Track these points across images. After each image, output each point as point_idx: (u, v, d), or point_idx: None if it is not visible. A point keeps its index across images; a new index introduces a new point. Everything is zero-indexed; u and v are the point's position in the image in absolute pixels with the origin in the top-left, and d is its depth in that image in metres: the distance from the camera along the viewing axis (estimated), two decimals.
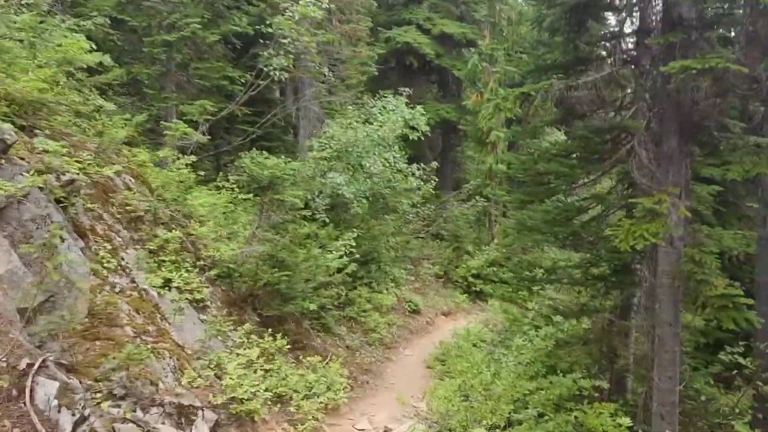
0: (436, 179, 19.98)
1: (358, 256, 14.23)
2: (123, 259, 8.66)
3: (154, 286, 8.88)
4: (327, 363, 11.55)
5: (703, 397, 11.32)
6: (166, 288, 9.19)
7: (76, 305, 7.08)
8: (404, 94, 18.34)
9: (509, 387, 10.44)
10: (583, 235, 13.46)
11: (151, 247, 9.73)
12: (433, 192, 19.97)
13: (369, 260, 16.95)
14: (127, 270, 8.58)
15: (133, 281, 8.51)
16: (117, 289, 8.08)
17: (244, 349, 9.63)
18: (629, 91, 12.76)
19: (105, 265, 8.16)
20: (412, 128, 18.07)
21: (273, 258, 11.13)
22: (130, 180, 10.77)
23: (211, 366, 8.52)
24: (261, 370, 9.22)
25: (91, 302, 7.38)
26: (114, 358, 6.86)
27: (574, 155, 13.94)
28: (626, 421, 10.13)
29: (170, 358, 7.83)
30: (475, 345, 15.20)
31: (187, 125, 12.42)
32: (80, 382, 6.55)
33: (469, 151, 32.12)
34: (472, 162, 32.55)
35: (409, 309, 18.51)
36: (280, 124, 19.28)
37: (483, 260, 22.99)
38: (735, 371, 13.00)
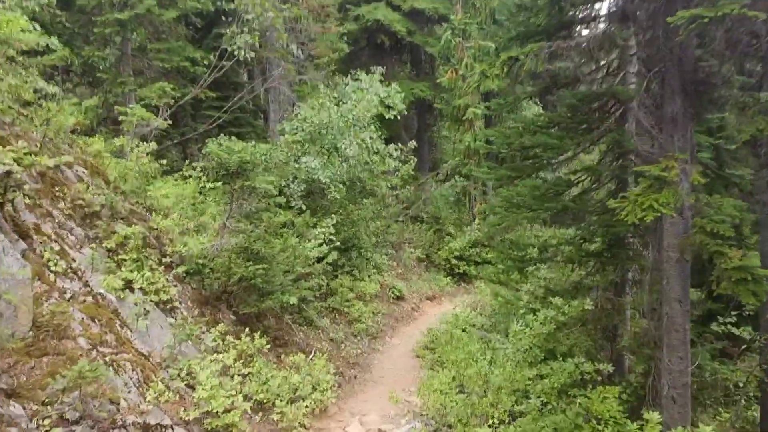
0: (415, 159, 19.01)
1: (338, 243, 13.21)
2: (74, 260, 7.54)
3: (113, 289, 7.78)
4: (311, 359, 10.60)
5: (707, 374, 10.61)
6: (128, 290, 8.11)
7: (16, 318, 5.99)
8: (377, 72, 17.25)
9: (509, 377, 9.57)
10: (574, 209, 12.66)
11: (108, 245, 8.63)
12: (412, 173, 18.98)
13: (349, 247, 15.95)
14: (80, 272, 7.47)
15: (86, 285, 7.41)
16: (67, 296, 6.97)
17: (219, 352, 8.63)
18: (621, 52, 11.96)
19: (52, 268, 7.04)
20: (388, 107, 17.02)
21: (247, 250, 10.08)
22: (83, 172, 9.61)
23: (182, 375, 7.49)
24: (238, 375, 8.23)
25: (36, 313, 6.28)
26: (64, 376, 5.80)
27: (561, 126, 13.12)
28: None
29: (133, 370, 6.78)
30: (464, 330, 14.37)
31: (146, 110, 11.22)
32: (24, 408, 5.50)
33: (444, 132, 31.22)
34: (447, 142, 31.68)
35: (392, 296, 17.58)
36: (249, 107, 18.08)
37: (465, 241, 22.16)
38: (744, 347, 12.40)
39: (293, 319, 12.41)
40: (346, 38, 22.22)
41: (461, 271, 21.84)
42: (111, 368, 6.48)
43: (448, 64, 24.79)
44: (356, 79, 17.05)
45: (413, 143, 18.37)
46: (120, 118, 10.88)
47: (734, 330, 12.36)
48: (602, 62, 12.97)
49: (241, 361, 8.59)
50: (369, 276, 16.73)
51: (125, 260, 8.60)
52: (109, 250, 8.63)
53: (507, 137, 13.63)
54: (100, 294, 7.39)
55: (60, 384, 5.76)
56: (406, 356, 13.58)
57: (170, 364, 7.68)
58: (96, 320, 6.93)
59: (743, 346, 11.48)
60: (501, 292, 13.42)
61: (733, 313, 12.87)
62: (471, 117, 22.91)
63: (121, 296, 7.90)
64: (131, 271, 8.45)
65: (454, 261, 21.86)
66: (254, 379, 8.35)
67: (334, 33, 18.80)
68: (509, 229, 21.43)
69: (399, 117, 17.46)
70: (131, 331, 7.38)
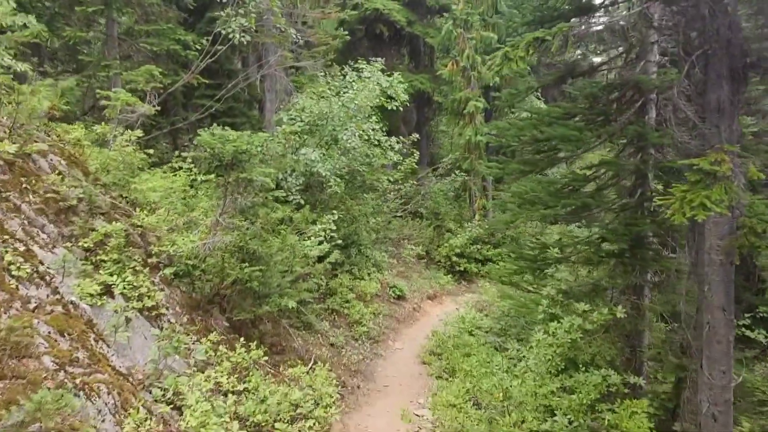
0: (418, 153, 17.93)
1: (340, 241, 12.10)
2: (42, 262, 6.39)
3: (88, 296, 6.64)
4: (312, 369, 9.50)
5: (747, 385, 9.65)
6: (106, 296, 6.97)
7: None
8: (378, 62, 16.10)
9: (531, 391, 8.53)
10: (593, 206, 11.62)
11: (85, 245, 7.49)
12: (415, 167, 17.91)
13: (349, 244, 14.85)
14: (49, 277, 6.32)
15: (56, 292, 6.26)
16: (32, 305, 5.83)
17: (211, 364, 7.53)
18: (642, 40, 10.93)
19: (14, 272, 5.90)
20: (390, 98, 15.89)
21: (242, 250, 8.97)
22: (60, 162, 8.43)
23: (167, 397, 6.37)
24: (232, 393, 7.11)
25: None
26: (22, 406, 4.68)
27: (579, 118, 12.08)
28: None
29: (108, 393, 5.65)
30: (471, 333, 13.35)
31: (132, 96, 10.04)
32: None
33: (442, 126, 30.17)
34: (444, 136, 30.63)
35: (393, 295, 16.50)
36: (244, 97, 16.87)
37: (466, 238, 21.14)
38: (761, 350, 11.50)
39: (291, 323, 11.31)
40: (343, 28, 21.07)
41: (462, 268, 20.85)
42: (82, 392, 5.36)
43: (448, 56, 23.71)
44: (357, 69, 15.90)
45: (415, 136, 17.28)
46: (101, 103, 9.69)
47: (749, 333, 11.50)
48: (621, 51, 12.02)
49: (236, 375, 7.48)
50: (369, 274, 15.66)
51: (104, 261, 7.47)
52: (86, 250, 7.49)
53: (520, 129, 12.55)
54: (72, 302, 6.25)
55: (16, 416, 4.64)
56: (411, 362, 12.51)
57: (154, 382, 6.56)
58: (66, 334, 5.80)
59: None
60: (513, 295, 12.35)
61: (746, 315, 11.98)
62: (472, 110, 21.85)
63: (99, 303, 6.77)
64: (111, 274, 7.31)
65: (454, 258, 20.86)
66: (250, 397, 7.24)
67: (333, 19, 17.61)
68: (511, 226, 20.53)
69: (401, 109, 16.32)
70: (108, 346, 6.24)
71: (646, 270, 11.40)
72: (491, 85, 22.92)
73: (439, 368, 11.72)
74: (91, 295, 6.66)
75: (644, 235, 11.22)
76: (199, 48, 13.54)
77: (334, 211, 12.41)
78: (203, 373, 7.21)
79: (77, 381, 5.41)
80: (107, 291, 7.07)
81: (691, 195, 6.91)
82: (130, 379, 6.16)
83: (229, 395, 6.88)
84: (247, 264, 8.60)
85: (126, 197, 9.14)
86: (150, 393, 6.41)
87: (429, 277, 19.63)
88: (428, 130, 27.17)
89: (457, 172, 22.33)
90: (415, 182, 20.18)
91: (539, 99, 24.29)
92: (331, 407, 8.45)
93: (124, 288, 7.30)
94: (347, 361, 11.71)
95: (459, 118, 22.99)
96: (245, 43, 13.06)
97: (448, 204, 23.08)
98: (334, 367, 10.80)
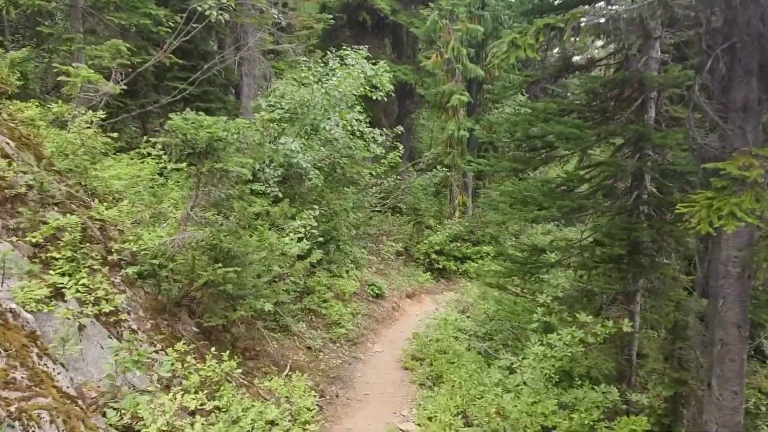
0: (402, 147, 17.06)
1: (321, 238, 11.18)
2: None
3: (32, 301, 5.63)
4: (288, 376, 8.63)
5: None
6: (56, 301, 5.97)
7: None
8: (363, 49, 15.14)
9: (528, 409, 7.77)
10: (589, 207, 10.92)
11: (34, 239, 6.45)
12: (399, 160, 17.02)
13: (327, 240, 13.92)
14: None
15: None
16: None
17: (177, 377, 6.60)
18: (645, 35, 10.25)
19: None
20: (374, 87, 14.97)
21: (215, 248, 8.00)
22: (8, 143, 7.35)
23: (124, 421, 5.41)
24: (201, 413, 6.19)
25: None
26: None
27: (576, 114, 11.35)
28: None
29: (52, 421, 4.68)
30: (455, 338, 12.56)
31: (95, 73, 8.94)
32: None
33: (422, 120, 29.38)
34: (424, 130, 29.85)
35: (372, 294, 15.66)
36: (220, 81, 15.74)
37: (445, 235, 20.41)
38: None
39: (266, 326, 10.39)
40: (326, 14, 20.02)
41: (441, 266, 20.16)
42: (18, 423, 4.39)
43: (432, 47, 22.89)
44: (340, 56, 14.92)
45: (400, 128, 16.40)
46: (59, 79, 8.58)
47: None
48: (621, 45, 11.34)
49: (205, 391, 6.55)
50: (347, 272, 14.79)
51: (56, 259, 6.45)
52: (34, 246, 6.46)
53: (513, 125, 11.80)
54: (11, 310, 5.23)
55: None
56: (392, 367, 11.69)
57: (109, 402, 5.60)
58: (2, 350, 4.80)
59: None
60: (501, 299, 11.60)
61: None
62: (456, 104, 21.09)
63: (46, 309, 5.76)
64: (63, 274, 6.31)
65: (433, 256, 20.15)
66: (221, 417, 6.32)
67: (316, 2, 16.56)
68: (491, 224, 19.82)
69: (385, 99, 15.42)
70: (54, 362, 5.25)
71: (639, 277, 10.77)
72: (476, 79, 22.17)
73: (422, 375, 10.92)
74: (37, 301, 5.65)
75: (640, 241, 10.57)
76: (172, 25, 12.42)
77: (315, 206, 11.48)
78: (168, 389, 6.28)
79: (12, 408, 4.44)
80: (57, 294, 6.07)
81: (718, 203, 6.19)
82: (80, 402, 5.18)
83: (197, 417, 5.94)
84: (220, 264, 7.62)
85: (85, 186, 8.08)
86: (104, 416, 5.45)
87: (408, 274, 18.86)
88: (409, 123, 26.29)
89: (438, 167, 21.53)
90: (396, 176, 19.32)
91: (522, 95, 23.57)
92: (310, 423, 7.59)
93: (78, 290, 6.30)
94: (325, 366, 10.83)
95: (442, 112, 22.24)
96: (222, 22, 12.00)
97: (428, 200, 22.31)
98: (311, 373, 9.93)
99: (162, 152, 9.73)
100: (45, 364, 5.10)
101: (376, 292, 15.79)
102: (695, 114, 7.50)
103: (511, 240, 19.93)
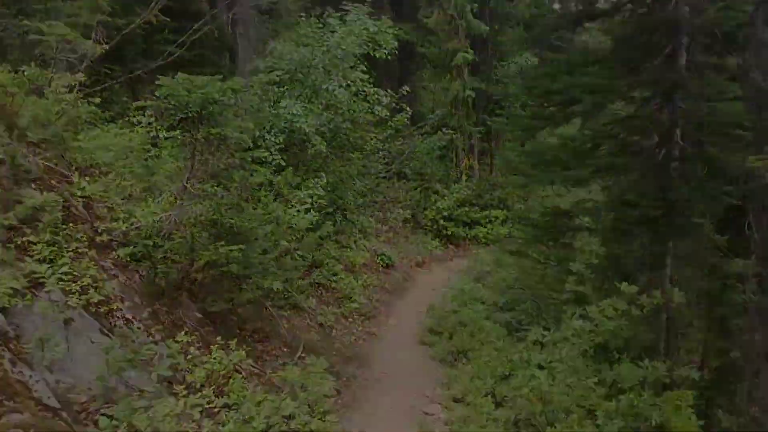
0: (409, 109, 16.04)
1: (330, 209, 10.27)
2: None
3: (4, 295, 4.76)
4: (301, 358, 7.86)
5: None
6: (33, 293, 5.10)
7: None
8: (367, 2, 13.95)
9: (566, 389, 7.00)
10: (621, 166, 9.96)
11: (8, 221, 5.55)
12: (406, 123, 16.03)
13: (334, 210, 13.03)
14: None
15: None
16: None
17: (181, 371, 5.78)
18: None
19: None
20: (378, 45, 13.85)
21: (216, 224, 7.11)
22: None
23: None
24: (209, 412, 5.38)
25: None
26: None
27: (603, 64, 10.32)
28: None
29: None
30: (474, 310, 11.75)
31: (72, 31, 7.89)
32: None
33: (424, 81, 28.13)
34: (425, 92, 28.63)
35: (382, 264, 14.84)
36: (214, 43, 14.59)
37: (453, 200, 19.48)
38: None
39: (274, 304, 9.55)
40: None
41: (449, 232, 19.26)
42: None
43: (433, 4, 21.61)
44: (340, 12, 13.76)
45: (405, 88, 15.34)
46: (29, 38, 7.56)
47: None
48: None
49: (212, 387, 5.74)
50: (356, 242, 13.94)
51: (33, 244, 5.56)
52: (8, 229, 5.55)
53: (533, 79, 10.78)
54: None
55: None
56: (409, 342, 10.92)
57: (102, 408, 4.78)
58: None
59: None
60: (527, 267, 10.74)
61: None
62: (460, 62, 19.91)
63: (21, 304, 4.89)
64: (42, 261, 5.43)
65: (442, 222, 19.25)
66: (231, 416, 5.51)
67: None
68: (496, 185, 18.87)
69: (389, 57, 14.33)
70: (32, 368, 4.41)
71: (672, 239, 9.92)
72: (480, 36, 20.93)
73: (442, 350, 10.15)
74: (10, 295, 4.77)
75: (675, 200, 9.68)
76: None
77: (322, 174, 10.53)
78: (170, 386, 5.46)
79: None
80: (36, 284, 5.20)
81: None
82: (64, 414, 4.35)
83: (205, 422, 5.14)
84: (222, 242, 6.74)
85: (68, 158, 7.14)
86: (96, 425, 4.63)
87: (416, 242, 18.01)
88: (412, 84, 25.10)
89: (443, 129, 20.47)
90: (402, 140, 18.32)
91: (529, 53, 22.39)
92: (329, 413, 6.81)
93: (62, 279, 5.42)
94: (339, 344, 10.08)
95: (445, 72, 21.08)
96: None
97: (433, 164, 21.28)
98: (325, 353, 9.13)
99: (153, 119, 8.76)
100: (20, 372, 4.25)
101: (387, 262, 14.97)
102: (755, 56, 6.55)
103: (521, 203, 19.04)
